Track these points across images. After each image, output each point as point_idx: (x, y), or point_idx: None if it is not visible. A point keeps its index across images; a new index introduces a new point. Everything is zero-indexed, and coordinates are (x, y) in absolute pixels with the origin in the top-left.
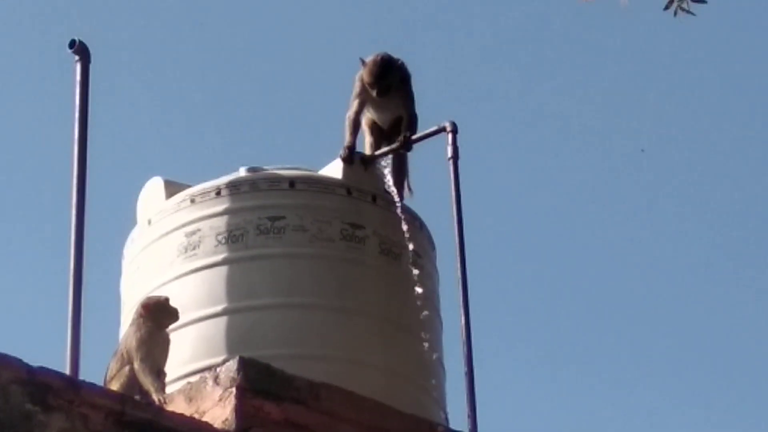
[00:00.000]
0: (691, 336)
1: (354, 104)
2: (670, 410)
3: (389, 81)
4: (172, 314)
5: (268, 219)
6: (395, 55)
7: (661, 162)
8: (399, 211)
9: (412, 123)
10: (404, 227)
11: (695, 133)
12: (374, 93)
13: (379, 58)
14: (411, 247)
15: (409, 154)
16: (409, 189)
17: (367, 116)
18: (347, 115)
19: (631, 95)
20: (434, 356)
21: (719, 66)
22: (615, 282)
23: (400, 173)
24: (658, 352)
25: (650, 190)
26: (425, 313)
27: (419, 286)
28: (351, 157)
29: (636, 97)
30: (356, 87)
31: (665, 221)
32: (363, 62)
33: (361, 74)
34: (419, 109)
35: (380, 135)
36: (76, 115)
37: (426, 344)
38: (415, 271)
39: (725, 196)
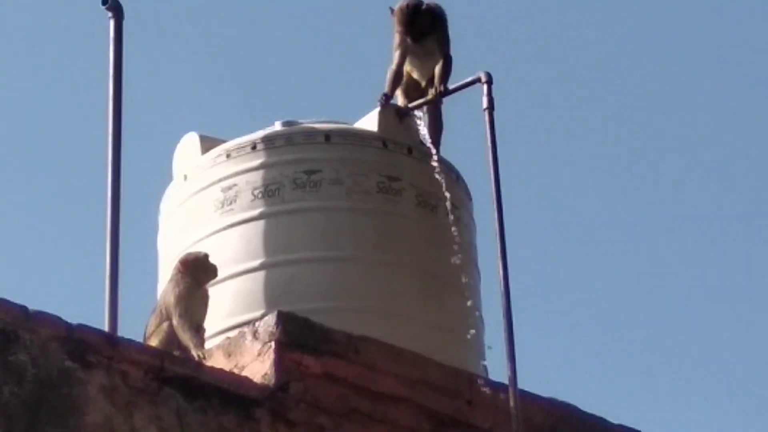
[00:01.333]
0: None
1: (395, 56)
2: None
3: (420, 24)
4: (210, 270)
5: (304, 173)
6: None
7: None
8: (435, 162)
9: (447, 65)
10: (439, 178)
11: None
12: (408, 39)
13: (405, 4)
14: (448, 197)
15: (444, 106)
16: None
17: (406, 73)
18: (389, 69)
19: (669, 49)
20: (472, 307)
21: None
22: (655, 233)
23: (436, 126)
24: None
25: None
26: (457, 258)
27: (456, 243)
28: (387, 103)
29: (673, 49)
30: (395, 39)
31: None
32: (392, 11)
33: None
34: (456, 58)
35: (416, 95)
36: (111, 71)
37: (468, 301)
38: (454, 229)
39: None
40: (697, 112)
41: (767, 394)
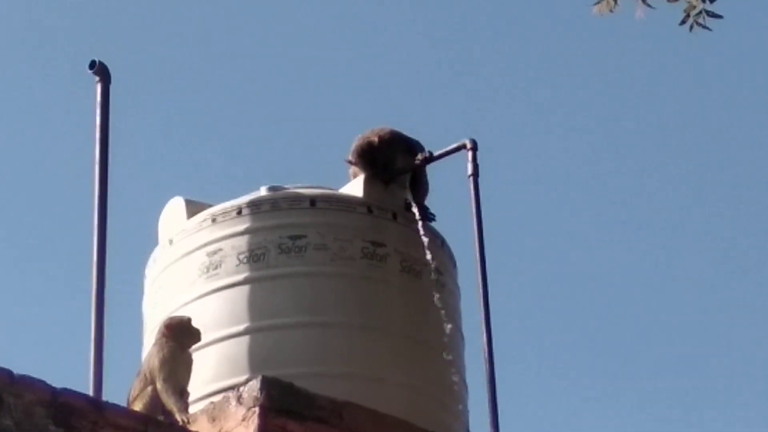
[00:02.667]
0: (717, 338)
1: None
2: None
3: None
4: (194, 334)
5: (289, 238)
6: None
7: (682, 173)
8: (420, 227)
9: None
10: (425, 242)
11: (711, 144)
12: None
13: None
14: (431, 261)
15: (428, 173)
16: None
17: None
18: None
19: (649, 109)
20: (456, 376)
21: (735, 80)
22: (640, 301)
23: (418, 192)
24: (682, 368)
25: (676, 205)
26: (448, 330)
27: (445, 318)
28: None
29: (654, 111)
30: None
31: (693, 234)
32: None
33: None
34: (442, 124)
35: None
36: (97, 135)
37: (451, 368)
38: (437, 295)
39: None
40: (688, 190)
41: None
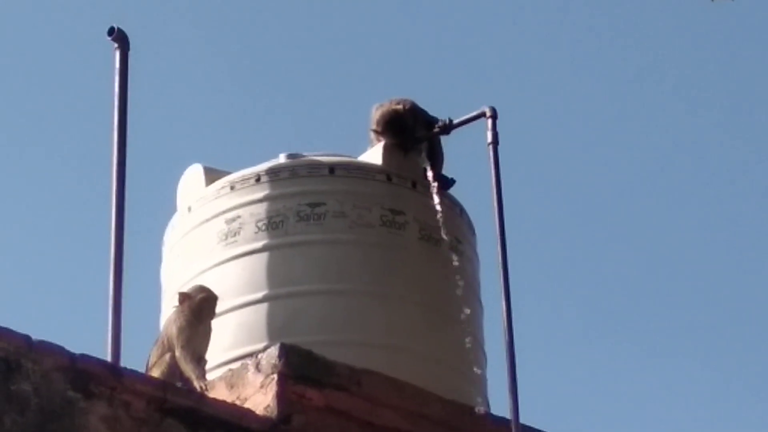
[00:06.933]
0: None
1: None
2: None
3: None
4: (212, 302)
5: (307, 205)
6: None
7: (709, 147)
8: (436, 196)
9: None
10: (439, 213)
11: (735, 117)
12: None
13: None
14: (444, 233)
15: (444, 141)
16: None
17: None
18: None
19: (673, 78)
20: (472, 343)
21: (760, 50)
22: (661, 266)
23: (435, 161)
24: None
25: (700, 177)
26: (467, 311)
27: (460, 280)
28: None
29: (675, 82)
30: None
31: (719, 206)
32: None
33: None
34: (461, 92)
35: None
36: (115, 102)
37: (469, 336)
38: (455, 258)
39: None
40: (714, 143)
41: None
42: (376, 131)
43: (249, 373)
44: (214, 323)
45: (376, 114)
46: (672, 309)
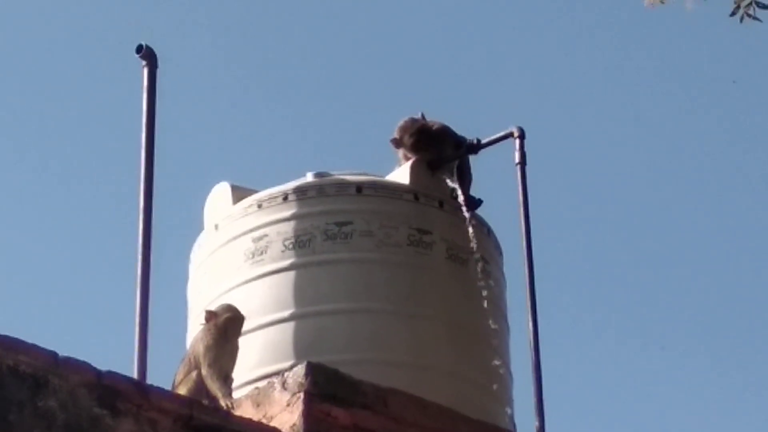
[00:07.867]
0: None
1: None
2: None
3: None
4: (238, 321)
5: (335, 224)
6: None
7: (731, 164)
8: (466, 215)
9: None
10: (470, 232)
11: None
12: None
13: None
14: (476, 250)
15: (472, 160)
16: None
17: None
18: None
19: (699, 100)
20: (499, 362)
21: None
22: (696, 285)
23: (463, 181)
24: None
25: (726, 196)
26: (494, 328)
27: (489, 306)
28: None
29: (704, 101)
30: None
31: (745, 227)
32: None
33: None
34: (490, 113)
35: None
36: (144, 119)
37: (496, 356)
38: (482, 283)
39: None
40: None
41: None
42: (403, 141)
43: (275, 391)
44: (241, 341)
45: (406, 124)
46: (705, 325)
